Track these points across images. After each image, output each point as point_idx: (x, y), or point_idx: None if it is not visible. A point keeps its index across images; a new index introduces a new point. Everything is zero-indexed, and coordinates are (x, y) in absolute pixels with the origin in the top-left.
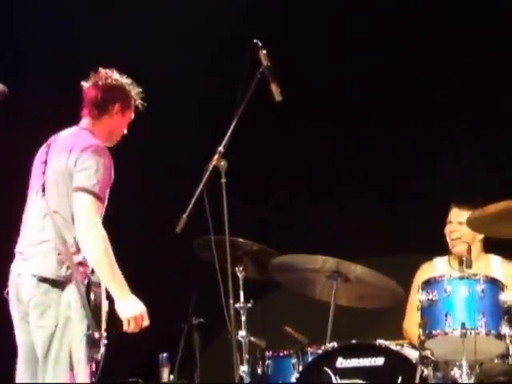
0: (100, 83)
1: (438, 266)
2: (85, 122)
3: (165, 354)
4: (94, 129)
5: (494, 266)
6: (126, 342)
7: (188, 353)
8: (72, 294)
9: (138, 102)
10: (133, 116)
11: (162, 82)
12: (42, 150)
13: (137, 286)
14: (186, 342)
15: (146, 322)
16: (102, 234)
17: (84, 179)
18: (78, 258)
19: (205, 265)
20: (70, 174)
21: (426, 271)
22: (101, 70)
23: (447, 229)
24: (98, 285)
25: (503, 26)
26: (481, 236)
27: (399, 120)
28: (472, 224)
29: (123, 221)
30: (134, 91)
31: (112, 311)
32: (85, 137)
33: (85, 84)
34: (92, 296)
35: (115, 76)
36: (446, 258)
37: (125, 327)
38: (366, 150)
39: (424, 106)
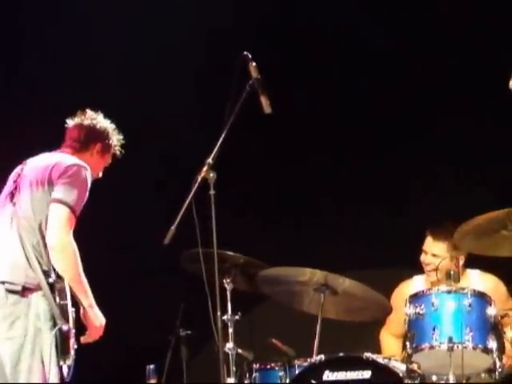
0: (85, 123)
1: (415, 285)
2: (65, 151)
3: (152, 366)
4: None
5: (474, 280)
6: (113, 353)
7: (175, 365)
8: (41, 304)
9: (118, 148)
10: (110, 161)
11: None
12: (19, 167)
13: (124, 298)
14: (173, 353)
15: None
16: (74, 248)
17: (65, 193)
18: (42, 267)
19: (192, 277)
20: (50, 184)
21: (403, 288)
22: (88, 111)
23: (422, 258)
24: (63, 290)
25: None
26: (461, 260)
27: (382, 143)
28: (458, 246)
29: (111, 232)
30: (116, 137)
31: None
32: (71, 156)
33: (70, 122)
34: (57, 297)
35: (100, 118)
36: (424, 276)
37: (96, 335)
38: (355, 163)
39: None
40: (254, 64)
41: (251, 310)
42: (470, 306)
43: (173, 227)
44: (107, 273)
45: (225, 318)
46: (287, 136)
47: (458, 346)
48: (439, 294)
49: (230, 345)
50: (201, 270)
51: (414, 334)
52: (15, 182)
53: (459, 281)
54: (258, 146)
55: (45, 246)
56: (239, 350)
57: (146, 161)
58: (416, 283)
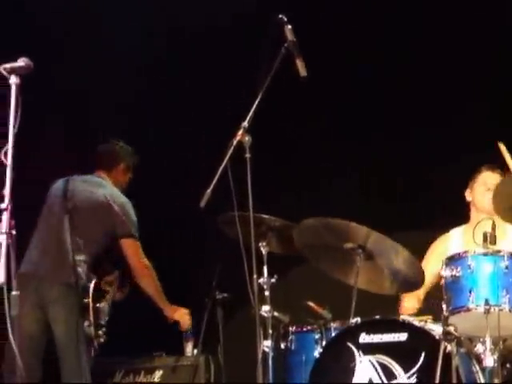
0: None
1: (453, 236)
2: None
3: None
4: None
5: (510, 234)
6: (151, 316)
7: (211, 327)
8: None
9: None
10: None
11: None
12: None
13: (161, 261)
14: (209, 316)
15: None
16: None
17: None
18: None
19: (229, 240)
20: None
21: (440, 241)
22: None
23: (481, 192)
24: None
25: None
26: None
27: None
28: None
29: (149, 196)
30: None
31: None
32: None
33: None
34: None
35: None
36: (461, 228)
37: None
38: (394, 128)
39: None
40: (289, 27)
41: (287, 273)
42: (506, 268)
43: (208, 190)
44: (145, 235)
45: (261, 281)
46: (324, 99)
47: (494, 309)
48: (476, 256)
49: (266, 307)
50: (237, 233)
51: (451, 296)
52: None
53: (495, 243)
54: (294, 109)
55: None
56: (275, 313)
57: (183, 123)
58: (453, 234)
